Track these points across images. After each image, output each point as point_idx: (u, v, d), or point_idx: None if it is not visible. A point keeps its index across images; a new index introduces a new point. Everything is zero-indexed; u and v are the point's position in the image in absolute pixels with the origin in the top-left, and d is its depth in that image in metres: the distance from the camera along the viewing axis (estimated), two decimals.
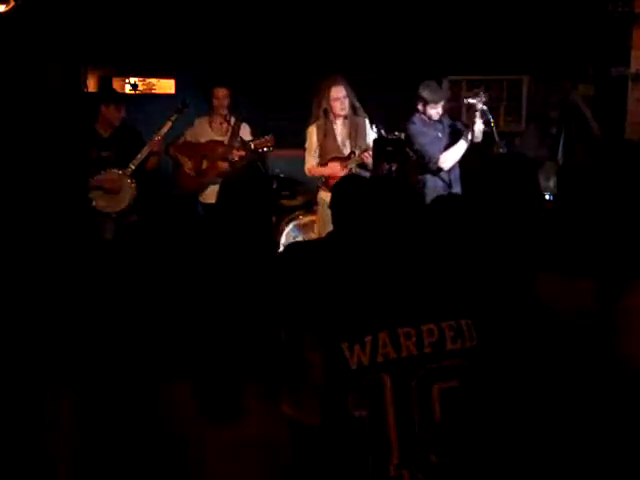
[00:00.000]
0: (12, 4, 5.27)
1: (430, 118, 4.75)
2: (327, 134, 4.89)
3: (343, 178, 2.07)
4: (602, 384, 1.79)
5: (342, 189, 1.92)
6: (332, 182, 4.74)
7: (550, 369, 1.85)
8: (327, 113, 4.86)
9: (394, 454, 1.63)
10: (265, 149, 5.01)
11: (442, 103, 4.76)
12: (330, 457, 1.66)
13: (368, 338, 1.63)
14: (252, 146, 5.00)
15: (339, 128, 4.91)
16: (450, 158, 4.66)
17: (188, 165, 5.15)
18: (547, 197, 4.96)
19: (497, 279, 2.14)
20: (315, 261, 2.36)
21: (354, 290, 1.73)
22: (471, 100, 4.64)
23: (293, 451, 1.77)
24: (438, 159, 4.66)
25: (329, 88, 4.80)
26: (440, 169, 4.69)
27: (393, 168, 4.32)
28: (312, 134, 4.94)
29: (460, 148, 4.64)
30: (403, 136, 4.68)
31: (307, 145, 4.98)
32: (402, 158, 4.16)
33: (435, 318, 1.69)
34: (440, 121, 4.81)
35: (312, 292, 2.15)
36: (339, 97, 4.80)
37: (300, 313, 1.89)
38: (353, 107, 4.87)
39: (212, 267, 2.45)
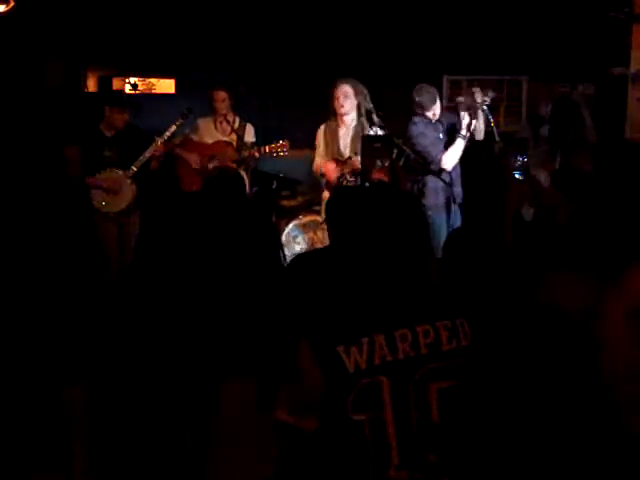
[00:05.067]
0: (12, 4, 5.27)
1: (430, 120, 4.79)
2: (332, 136, 4.89)
3: (336, 190, 2.09)
4: (594, 383, 1.80)
5: (336, 201, 1.93)
6: (330, 183, 4.79)
7: (545, 366, 1.86)
8: (335, 113, 4.85)
9: (394, 456, 1.63)
10: (279, 153, 5.03)
11: (438, 103, 4.81)
12: (329, 462, 1.66)
13: (364, 341, 1.64)
14: (266, 150, 5.03)
15: (343, 131, 4.88)
16: (451, 158, 4.70)
17: (195, 160, 5.14)
18: (517, 176, 5.07)
19: (493, 278, 2.15)
20: (314, 269, 2.37)
21: (349, 294, 1.73)
22: (475, 96, 4.65)
23: (287, 457, 1.77)
24: (440, 160, 4.69)
25: (334, 86, 4.80)
26: (442, 170, 4.71)
27: (386, 164, 4.29)
28: (319, 134, 4.96)
29: (459, 147, 4.68)
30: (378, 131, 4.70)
31: (316, 143, 5.01)
32: (391, 153, 4.15)
33: (430, 319, 1.70)
34: (440, 121, 4.83)
35: (309, 298, 2.16)
36: (338, 95, 4.77)
37: (297, 318, 1.89)
38: (362, 110, 4.82)
39: (213, 265, 2.46)
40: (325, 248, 2.75)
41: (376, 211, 1.78)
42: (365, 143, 4.47)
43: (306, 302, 2.12)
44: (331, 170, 4.83)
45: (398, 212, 1.79)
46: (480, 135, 4.73)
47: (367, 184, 3.64)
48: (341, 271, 1.83)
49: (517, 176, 5.19)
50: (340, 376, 1.62)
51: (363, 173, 4.34)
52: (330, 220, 1.85)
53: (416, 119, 4.79)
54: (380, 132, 4.73)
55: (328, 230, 1.90)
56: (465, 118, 4.65)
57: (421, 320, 1.69)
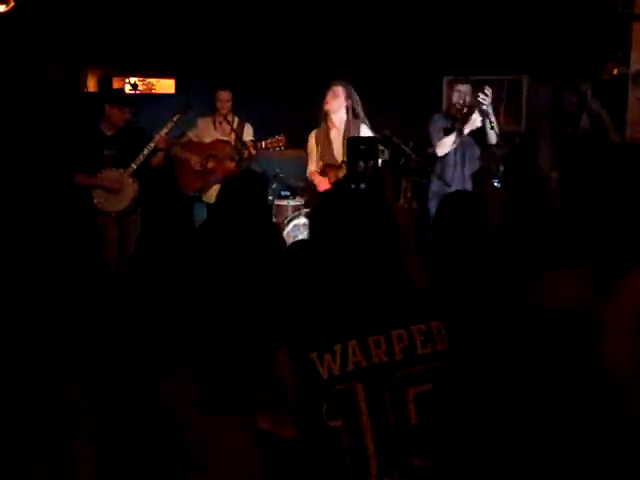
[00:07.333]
0: (12, 4, 5.27)
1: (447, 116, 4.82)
2: (325, 140, 4.88)
3: (324, 195, 2.06)
4: (584, 384, 1.78)
5: (322, 205, 1.91)
6: (320, 189, 4.78)
7: (530, 368, 1.85)
8: (327, 117, 4.85)
9: (373, 463, 1.61)
10: (276, 148, 5.02)
11: (466, 88, 4.84)
12: (309, 470, 1.65)
13: (337, 347, 1.62)
14: (263, 145, 5.02)
15: (335, 134, 4.88)
16: (442, 146, 4.78)
17: (195, 160, 5.14)
18: (495, 184, 5.15)
19: (471, 279, 2.13)
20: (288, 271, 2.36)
21: (322, 299, 1.72)
22: (479, 98, 4.67)
23: (269, 465, 1.76)
24: (436, 145, 4.78)
25: (327, 88, 4.82)
26: (435, 155, 4.81)
27: (370, 165, 4.29)
28: (311, 138, 4.97)
29: (449, 139, 4.74)
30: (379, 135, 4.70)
31: (308, 149, 5.00)
32: (376, 156, 4.18)
33: (404, 323, 1.68)
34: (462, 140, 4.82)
35: (287, 302, 2.15)
36: (332, 97, 4.79)
37: (279, 324, 1.88)
38: (353, 112, 4.82)
39: (214, 265, 2.46)
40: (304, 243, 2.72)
41: (349, 216, 1.75)
42: (350, 145, 4.46)
43: (285, 307, 2.11)
44: (323, 183, 4.84)
45: (370, 217, 1.76)
46: (493, 140, 4.74)
47: (353, 186, 3.64)
48: (313, 277, 1.81)
49: (496, 184, 5.22)
50: (314, 383, 1.61)
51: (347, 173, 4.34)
52: (312, 223, 1.84)
53: (440, 114, 4.91)
54: (369, 134, 4.71)
55: (309, 230, 1.88)
56: (473, 118, 4.65)
57: (395, 325, 1.67)
